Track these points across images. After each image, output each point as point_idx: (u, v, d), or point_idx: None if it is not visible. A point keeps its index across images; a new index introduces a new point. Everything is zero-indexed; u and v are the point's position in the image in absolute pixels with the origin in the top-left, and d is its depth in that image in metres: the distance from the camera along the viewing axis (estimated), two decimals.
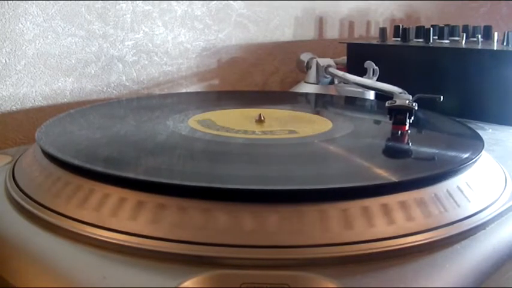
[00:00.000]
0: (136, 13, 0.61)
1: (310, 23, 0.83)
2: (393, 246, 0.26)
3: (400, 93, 0.47)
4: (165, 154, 0.36)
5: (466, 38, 0.66)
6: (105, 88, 0.60)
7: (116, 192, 0.28)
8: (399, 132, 0.40)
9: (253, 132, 0.41)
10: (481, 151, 0.35)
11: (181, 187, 0.28)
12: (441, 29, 0.69)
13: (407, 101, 0.41)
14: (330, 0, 0.85)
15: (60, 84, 0.56)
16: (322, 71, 0.68)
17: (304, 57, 0.72)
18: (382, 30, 0.71)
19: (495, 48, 0.60)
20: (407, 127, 0.40)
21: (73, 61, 0.56)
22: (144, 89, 0.63)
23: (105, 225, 0.27)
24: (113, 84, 0.60)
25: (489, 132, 0.50)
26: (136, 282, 0.23)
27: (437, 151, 0.37)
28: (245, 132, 0.41)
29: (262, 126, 0.43)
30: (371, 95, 0.60)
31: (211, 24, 0.69)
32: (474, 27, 0.73)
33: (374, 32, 0.93)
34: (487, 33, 0.72)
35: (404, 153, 0.38)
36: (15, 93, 0.53)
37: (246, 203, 0.27)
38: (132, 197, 0.28)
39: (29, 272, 0.25)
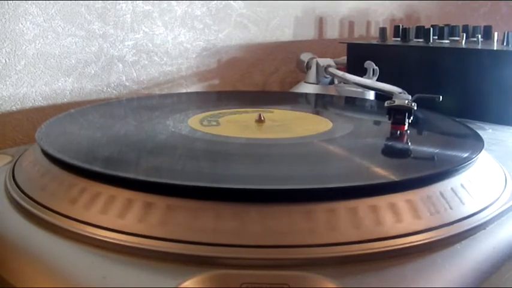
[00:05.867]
0: (137, 13, 0.61)
1: (310, 23, 0.83)
2: (393, 246, 0.26)
3: (400, 93, 0.47)
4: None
5: (466, 38, 0.66)
6: (105, 88, 0.60)
7: (115, 192, 0.28)
8: (398, 132, 0.40)
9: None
10: (481, 151, 0.35)
11: (183, 187, 0.28)
12: (441, 29, 0.69)
13: (406, 101, 0.41)
14: (330, 0, 0.85)
15: (60, 84, 0.56)
16: (322, 71, 0.68)
17: (304, 57, 0.72)
18: (382, 30, 0.71)
19: (495, 48, 0.60)
20: (406, 127, 0.40)
21: (73, 61, 0.56)
22: (144, 89, 0.63)
23: (105, 225, 0.27)
24: (113, 84, 0.60)
25: (489, 132, 0.50)
26: (136, 282, 0.23)
27: (437, 151, 0.37)
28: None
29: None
30: (371, 95, 0.60)
31: (211, 24, 0.69)
32: (474, 27, 0.73)
33: (374, 32, 0.93)
34: (487, 33, 0.72)
35: (404, 153, 0.38)
36: (15, 93, 0.53)
37: (246, 202, 0.27)
38: (132, 197, 0.28)
39: (29, 272, 0.25)
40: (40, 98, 0.54)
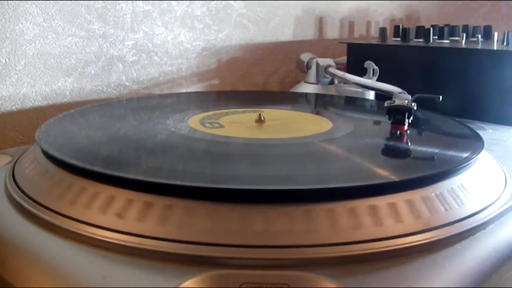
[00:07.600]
0: (137, 13, 0.61)
1: (310, 23, 0.83)
2: (393, 246, 0.26)
3: (400, 93, 0.47)
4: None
5: (466, 38, 0.66)
6: (105, 88, 0.60)
7: (116, 193, 0.28)
8: (398, 132, 0.40)
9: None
10: (481, 151, 0.35)
11: (183, 187, 0.28)
12: (441, 29, 0.69)
13: (406, 101, 0.41)
14: (330, 0, 0.85)
15: (60, 84, 0.56)
16: (322, 71, 0.68)
17: (304, 57, 0.72)
18: (382, 30, 0.71)
19: (495, 48, 0.60)
20: (406, 127, 0.40)
21: (73, 61, 0.56)
22: (144, 89, 0.63)
23: (105, 225, 0.27)
24: (113, 84, 0.60)
25: (489, 132, 0.50)
26: (136, 282, 0.23)
27: (437, 151, 0.37)
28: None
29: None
30: (371, 95, 0.60)
31: (211, 24, 0.69)
32: (474, 27, 0.73)
33: (374, 32, 0.92)
34: (487, 33, 0.72)
35: (404, 153, 0.38)
36: (15, 93, 0.53)
37: (246, 203, 0.27)
38: (132, 197, 0.28)
39: (29, 272, 0.25)
40: (40, 98, 0.54)
